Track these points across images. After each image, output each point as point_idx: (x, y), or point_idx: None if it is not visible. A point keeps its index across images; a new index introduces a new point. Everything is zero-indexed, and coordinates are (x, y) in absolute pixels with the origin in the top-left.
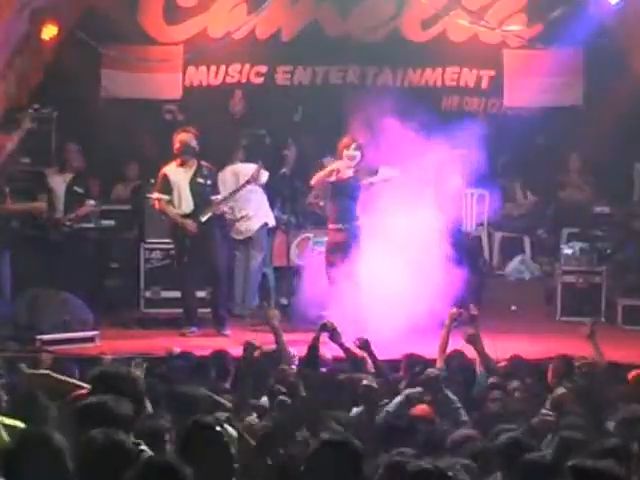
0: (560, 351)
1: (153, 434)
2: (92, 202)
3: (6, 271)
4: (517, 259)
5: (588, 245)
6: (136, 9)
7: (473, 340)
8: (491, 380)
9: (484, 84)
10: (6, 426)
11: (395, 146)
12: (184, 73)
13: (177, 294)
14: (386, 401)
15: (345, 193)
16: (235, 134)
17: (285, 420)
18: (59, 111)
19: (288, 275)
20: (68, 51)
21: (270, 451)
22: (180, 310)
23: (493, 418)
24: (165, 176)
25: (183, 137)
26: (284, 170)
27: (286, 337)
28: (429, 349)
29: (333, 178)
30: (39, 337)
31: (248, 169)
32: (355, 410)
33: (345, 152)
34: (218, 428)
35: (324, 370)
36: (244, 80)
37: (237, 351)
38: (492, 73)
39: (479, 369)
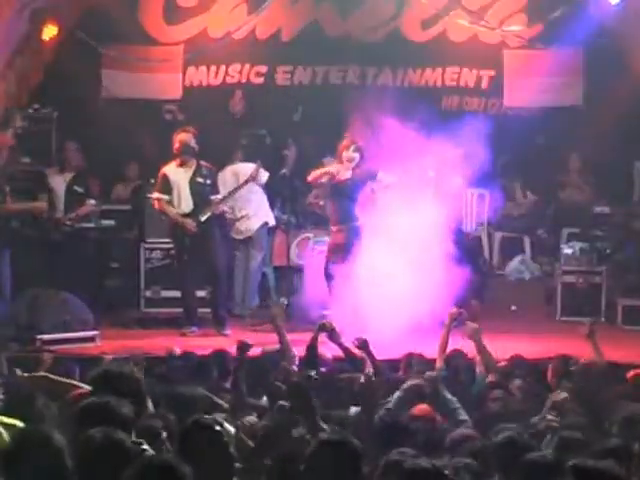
0: (560, 351)
1: (148, 433)
2: (92, 202)
3: (6, 271)
4: (517, 259)
5: (588, 245)
6: (136, 9)
7: (474, 334)
8: (490, 379)
9: (484, 84)
10: (4, 425)
11: (395, 146)
12: (184, 73)
13: (177, 294)
14: (384, 401)
15: (344, 194)
16: (235, 134)
17: (284, 420)
18: (59, 111)
19: (288, 275)
20: (68, 51)
21: (269, 451)
22: (180, 310)
23: (494, 418)
24: (165, 176)
25: (182, 137)
26: (284, 171)
27: (287, 337)
28: (430, 349)
29: (325, 179)
30: (39, 337)
31: (248, 169)
32: (354, 409)
33: (344, 154)
34: (217, 428)
35: (323, 370)
36: (244, 80)
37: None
38: (492, 73)
39: (479, 369)
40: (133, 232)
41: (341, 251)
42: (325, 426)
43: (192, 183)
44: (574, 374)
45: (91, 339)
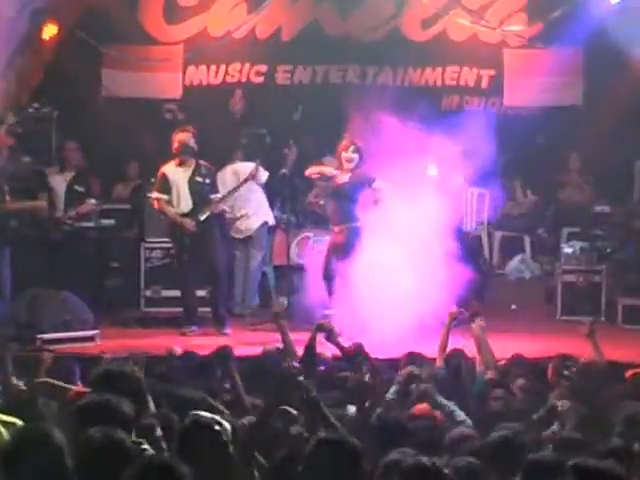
0: (560, 350)
1: (142, 430)
2: (93, 201)
3: (6, 271)
4: (517, 258)
5: (588, 244)
6: (136, 8)
7: (481, 332)
8: (489, 376)
9: (484, 83)
10: (4, 423)
11: (395, 145)
12: (184, 72)
13: (177, 293)
14: (382, 401)
15: (344, 196)
16: (235, 133)
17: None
18: (59, 110)
19: (288, 274)
20: (68, 50)
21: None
22: (180, 309)
23: (495, 417)
24: (164, 175)
25: (181, 137)
26: (284, 170)
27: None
28: (430, 348)
29: (320, 179)
30: (39, 336)
31: (248, 168)
32: (353, 408)
33: (343, 154)
34: (217, 427)
35: (322, 369)
36: (244, 79)
37: (238, 350)
38: (492, 72)
39: (479, 368)
40: (133, 231)
41: (341, 251)
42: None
43: (191, 182)
44: (574, 373)
45: (91, 338)
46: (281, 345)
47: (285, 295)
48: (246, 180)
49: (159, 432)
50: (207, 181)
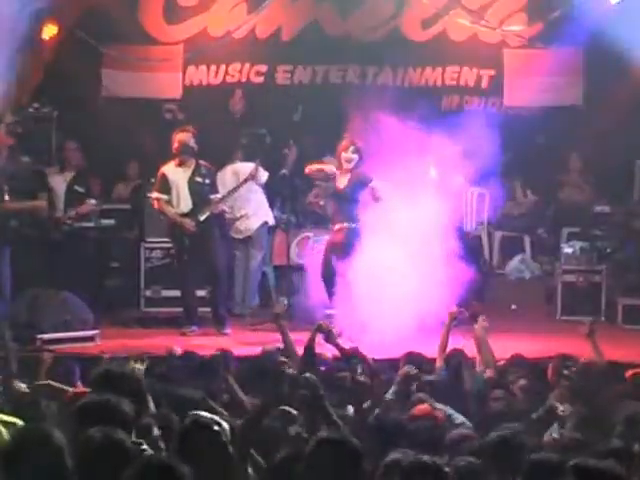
0: (560, 350)
1: (140, 430)
2: (93, 201)
3: (6, 271)
4: (517, 258)
5: (588, 244)
6: (136, 8)
7: (483, 332)
8: (489, 376)
9: (484, 83)
10: (4, 423)
11: (395, 145)
12: (184, 72)
13: (177, 293)
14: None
15: (344, 198)
16: (235, 134)
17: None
18: (59, 110)
19: (288, 274)
20: (68, 50)
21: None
22: (180, 309)
23: (495, 417)
24: (164, 175)
25: (181, 137)
26: (284, 171)
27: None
28: (430, 348)
29: (320, 176)
30: (39, 336)
31: (248, 168)
32: (352, 409)
33: (343, 154)
34: (216, 427)
35: (323, 369)
36: (244, 79)
37: (238, 350)
38: (492, 72)
39: (479, 368)
40: (133, 231)
41: (340, 251)
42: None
43: (191, 183)
44: (574, 373)
45: (91, 338)
46: (281, 345)
47: (285, 295)
48: (246, 180)
49: (157, 432)
50: (207, 181)
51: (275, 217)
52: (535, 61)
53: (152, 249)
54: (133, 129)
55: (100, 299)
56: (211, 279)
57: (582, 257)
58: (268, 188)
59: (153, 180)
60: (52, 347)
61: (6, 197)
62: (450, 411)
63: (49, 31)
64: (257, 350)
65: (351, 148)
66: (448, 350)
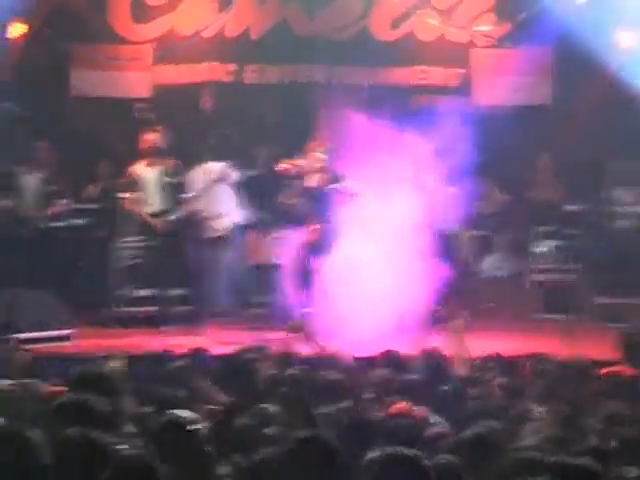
0: (535, 349)
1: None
2: (64, 201)
3: None
4: (491, 257)
5: (561, 243)
6: (105, 8)
7: (459, 331)
8: (464, 374)
9: (453, 83)
10: None
11: (365, 145)
12: (154, 72)
13: (151, 293)
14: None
15: (315, 196)
16: (205, 133)
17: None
18: (29, 110)
19: (262, 273)
20: (37, 50)
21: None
22: (155, 308)
23: (470, 415)
24: (133, 175)
25: (151, 137)
26: (254, 172)
27: (261, 336)
28: (407, 346)
29: (294, 172)
30: (15, 336)
31: (217, 168)
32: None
33: (313, 154)
34: (192, 427)
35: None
36: (213, 79)
37: (213, 349)
38: (461, 72)
39: (455, 366)
40: (104, 231)
41: (315, 250)
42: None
43: (161, 182)
44: (549, 372)
45: (66, 338)
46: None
47: (259, 294)
48: (216, 180)
49: (130, 430)
50: (176, 181)
51: (248, 216)
52: (504, 61)
53: (124, 248)
54: (103, 128)
55: (72, 299)
56: (184, 278)
57: (555, 256)
58: (239, 187)
59: (123, 180)
60: (28, 347)
61: None
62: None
63: (17, 30)
64: (232, 349)
65: (321, 149)
66: (425, 348)
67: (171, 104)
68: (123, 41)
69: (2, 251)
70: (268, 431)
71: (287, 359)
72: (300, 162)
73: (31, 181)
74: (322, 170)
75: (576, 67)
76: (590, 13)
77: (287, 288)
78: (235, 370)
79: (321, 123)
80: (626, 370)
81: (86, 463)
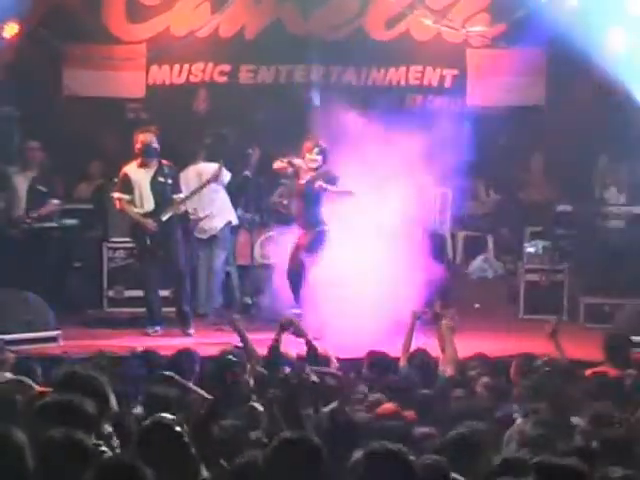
0: (523, 349)
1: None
2: (56, 201)
3: None
4: (480, 258)
5: (551, 244)
6: (99, 7)
7: (448, 332)
8: (450, 374)
9: (447, 83)
10: None
11: (359, 145)
12: (147, 72)
13: (140, 293)
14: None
15: (307, 197)
16: (198, 133)
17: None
18: (21, 110)
19: (252, 274)
20: (30, 49)
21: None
22: (144, 309)
23: (456, 416)
24: (126, 175)
25: (144, 138)
26: (246, 172)
27: (251, 336)
28: (396, 347)
29: (290, 170)
30: (0, 337)
31: (211, 169)
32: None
33: (307, 156)
34: (177, 428)
35: (288, 369)
36: (208, 79)
37: (202, 350)
38: (455, 72)
39: (441, 367)
40: (96, 231)
41: (307, 252)
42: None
43: (154, 182)
44: (536, 372)
45: (53, 339)
46: (240, 344)
47: (249, 295)
48: (209, 181)
49: (109, 430)
50: (169, 181)
51: (239, 217)
52: (498, 61)
53: (115, 249)
54: (96, 128)
55: (62, 299)
56: (174, 279)
57: (545, 256)
58: (232, 187)
59: (116, 180)
60: (14, 348)
61: None
62: None
63: (10, 30)
64: (219, 350)
65: (315, 149)
66: (412, 350)
67: (165, 104)
68: (117, 41)
69: None
70: (253, 433)
71: (276, 360)
72: (295, 161)
73: (23, 181)
74: (316, 170)
75: (569, 68)
76: (583, 14)
77: (278, 288)
78: (219, 371)
79: (316, 123)
80: (610, 371)
81: (70, 464)
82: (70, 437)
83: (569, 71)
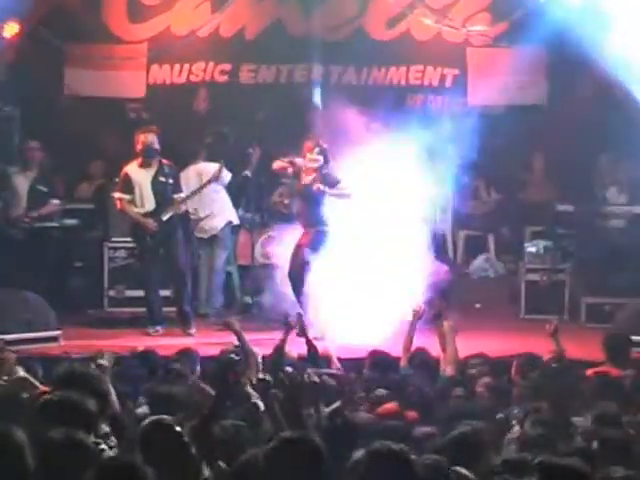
0: (524, 349)
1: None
2: (56, 202)
3: None
4: (481, 257)
5: (552, 243)
6: (100, 7)
7: (451, 332)
8: (450, 374)
9: (448, 83)
10: None
11: (359, 144)
12: (148, 71)
13: (141, 293)
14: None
15: (309, 198)
16: (199, 133)
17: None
18: (22, 110)
19: (253, 274)
20: (31, 49)
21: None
22: (144, 309)
23: (456, 415)
24: (126, 175)
25: (145, 139)
26: (247, 172)
27: (252, 336)
28: (398, 347)
29: (290, 170)
30: (1, 337)
31: (211, 168)
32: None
33: (308, 156)
34: (178, 428)
35: (290, 369)
36: (208, 78)
37: (202, 350)
38: (456, 72)
39: (442, 366)
40: (97, 231)
41: (307, 252)
42: None
43: (154, 182)
44: (537, 372)
45: (54, 339)
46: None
47: (250, 295)
48: (210, 181)
49: (106, 429)
50: (170, 181)
51: (239, 217)
52: (499, 60)
53: (116, 249)
54: (96, 128)
55: (63, 299)
56: (175, 279)
57: (546, 256)
58: (232, 187)
59: (116, 180)
60: (14, 348)
61: None
62: None
63: (11, 30)
64: (220, 350)
65: (316, 149)
66: (412, 349)
67: (166, 104)
68: (118, 41)
69: None
70: (254, 432)
71: (278, 360)
72: (296, 161)
73: (23, 181)
74: (317, 170)
75: (570, 67)
76: (584, 13)
77: (279, 288)
78: (221, 371)
79: (316, 123)
80: (611, 370)
81: (70, 464)
82: (71, 437)
83: (570, 70)
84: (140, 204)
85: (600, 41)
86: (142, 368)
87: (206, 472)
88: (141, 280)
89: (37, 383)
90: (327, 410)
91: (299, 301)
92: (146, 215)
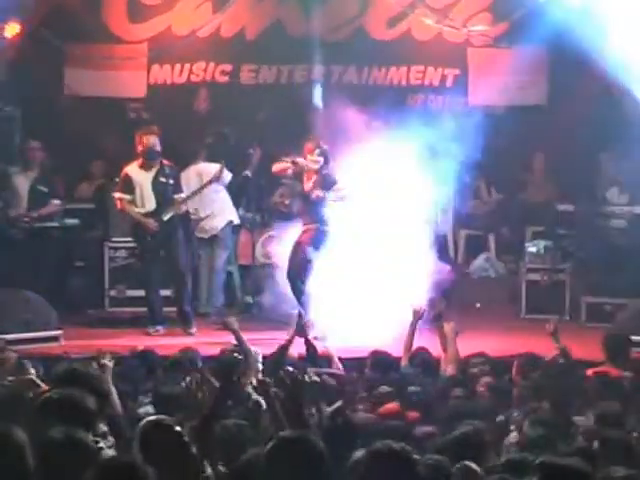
0: (524, 349)
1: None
2: (57, 202)
3: None
4: (482, 257)
5: (552, 243)
6: (100, 7)
7: (452, 332)
8: (451, 374)
9: (449, 82)
10: None
11: (360, 145)
12: (149, 71)
13: (142, 293)
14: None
15: (310, 200)
16: (200, 133)
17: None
18: (22, 110)
19: (253, 273)
20: (31, 49)
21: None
22: (145, 309)
23: (457, 415)
24: (127, 175)
25: (147, 141)
26: (247, 172)
27: (253, 336)
28: (399, 347)
29: (290, 171)
30: (2, 337)
31: (212, 169)
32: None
33: (308, 157)
34: (178, 428)
35: (291, 369)
36: (209, 78)
37: (203, 349)
38: (457, 72)
39: (443, 366)
40: (97, 231)
41: (306, 251)
42: None
43: (155, 183)
44: (537, 372)
45: (55, 339)
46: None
47: (250, 294)
48: (210, 181)
49: (104, 428)
50: (171, 181)
51: (240, 216)
52: (499, 60)
53: (116, 248)
54: (97, 128)
55: (64, 299)
56: (175, 279)
57: (546, 256)
58: (233, 187)
59: (117, 180)
60: (15, 348)
61: None
62: None
63: (11, 30)
64: (220, 349)
65: (317, 151)
66: (413, 349)
67: (166, 104)
68: (118, 41)
69: None
70: (256, 431)
71: (280, 359)
72: (298, 160)
73: (24, 181)
74: (317, 172)
75: (571, 67)
76: (585, 13)
77: (280, 288)
78: (222, 370)
79: (317, 123)
80: (611, 370)
81: (70, 463)
82: (71, 436)
83: (571, 70)
84: (141, 204)
85: (600, 41)
86: (141, 368)
87: (208, 470)
88: (142, 280)
89: (40, 382)
90: (328, 410)
91: (299, 301)
92: (147, 215)
